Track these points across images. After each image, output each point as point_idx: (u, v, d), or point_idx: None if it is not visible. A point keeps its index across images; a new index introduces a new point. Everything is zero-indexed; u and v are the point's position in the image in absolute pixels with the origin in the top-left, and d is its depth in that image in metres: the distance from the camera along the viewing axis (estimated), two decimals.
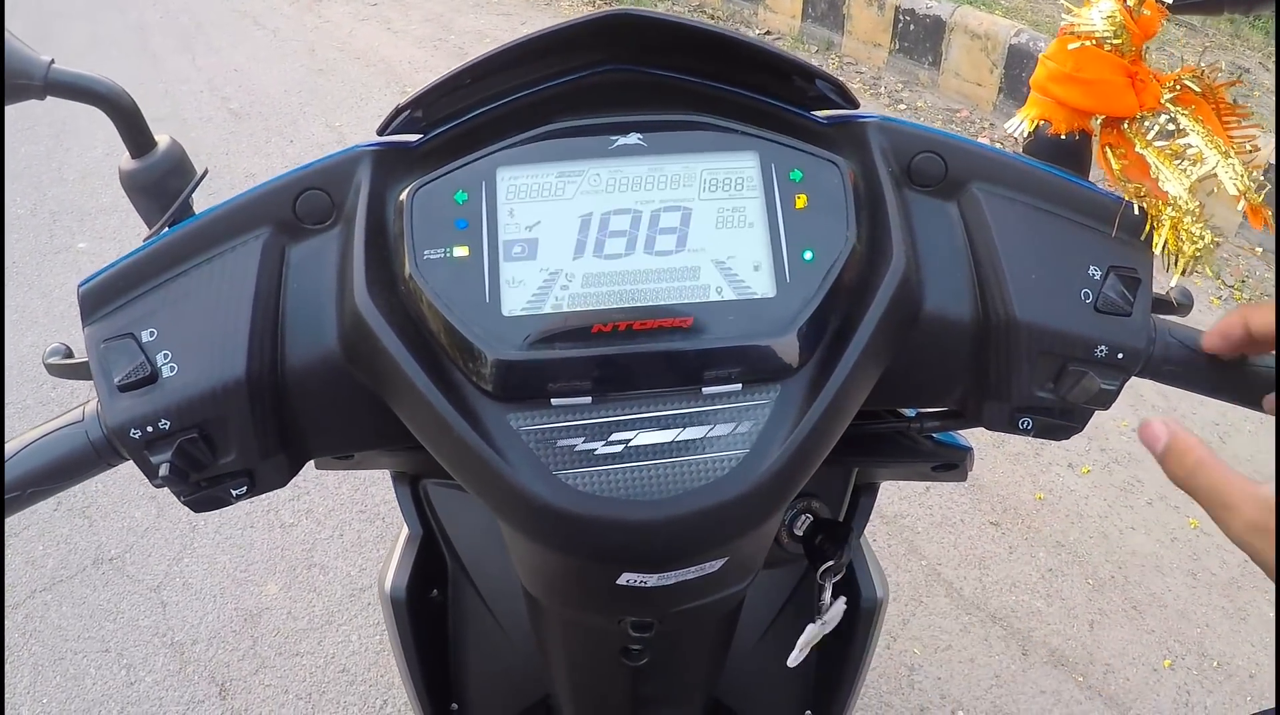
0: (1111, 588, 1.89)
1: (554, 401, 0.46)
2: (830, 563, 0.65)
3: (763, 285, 0.48)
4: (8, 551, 1.96)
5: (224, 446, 0.49)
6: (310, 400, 0.51)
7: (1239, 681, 1.73)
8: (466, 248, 0.48)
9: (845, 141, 0.54)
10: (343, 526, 2.03)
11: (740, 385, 0.47)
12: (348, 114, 3.96)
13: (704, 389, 0.47)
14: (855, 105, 0.53)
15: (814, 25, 4.50)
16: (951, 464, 0.72)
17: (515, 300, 0.47)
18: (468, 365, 0.46)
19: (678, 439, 0.46)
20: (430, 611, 0.87)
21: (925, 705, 1.68)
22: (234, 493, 0.50)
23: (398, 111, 0.50)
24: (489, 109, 0.53)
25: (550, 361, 0.46)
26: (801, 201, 0.50)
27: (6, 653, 1.75)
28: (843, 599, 0.69)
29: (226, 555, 1.96)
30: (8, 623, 1.82)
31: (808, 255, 0.49)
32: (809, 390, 0.47)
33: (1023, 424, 0.54)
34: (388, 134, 0.51)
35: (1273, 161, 2.75)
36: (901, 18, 4.05)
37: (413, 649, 0.84)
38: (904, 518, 2.03)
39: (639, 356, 0.46)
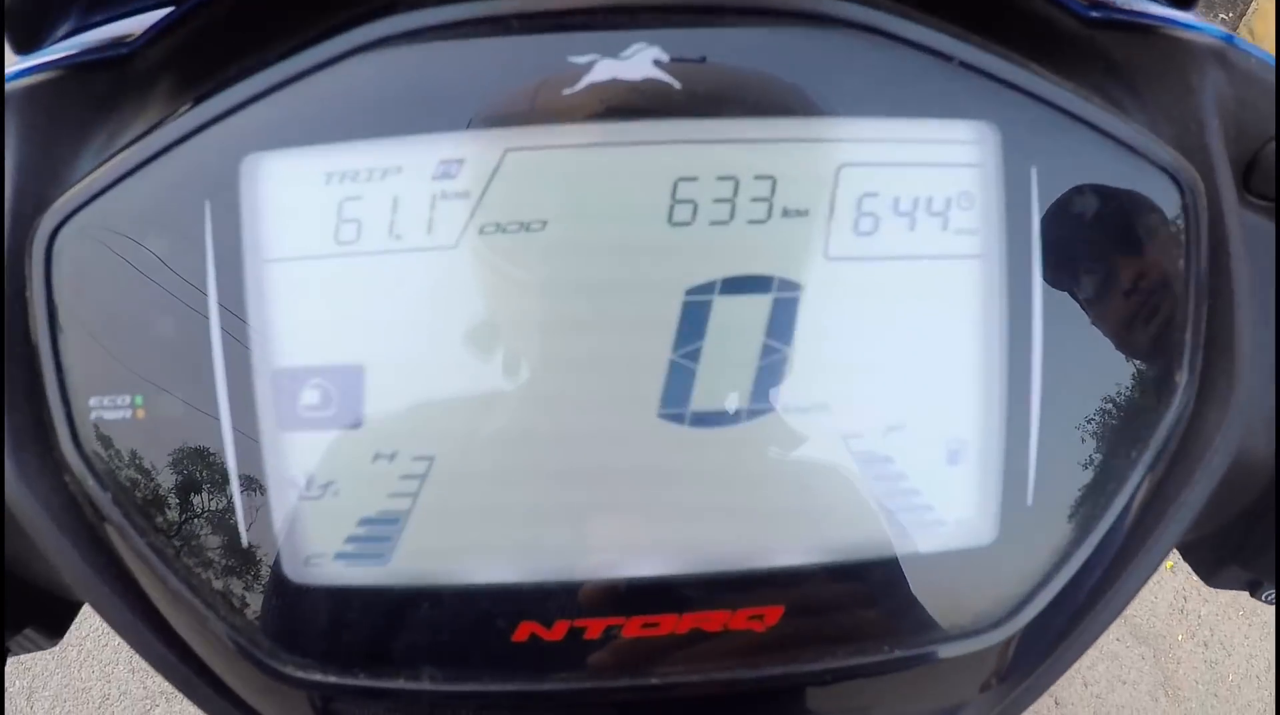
0: None
1: None
2: None
3: (963, 506, 0.20)
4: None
5: None
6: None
7: (1235, 593, 1.65)
8: (178, 393, 0.20)
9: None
10: None
11: None
12: None
13: None
14: (1188, 1, 0.25)
15: None
16: None
17: (315, 537, 0.20)
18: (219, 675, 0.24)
19: None
20: None
21: None
22: None
23: None
24: None
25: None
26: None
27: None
28: None
29: None
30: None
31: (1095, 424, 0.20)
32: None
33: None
34: (48, 44, 0.21)
35: None
36: None
37: None
38: None
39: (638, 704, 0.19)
